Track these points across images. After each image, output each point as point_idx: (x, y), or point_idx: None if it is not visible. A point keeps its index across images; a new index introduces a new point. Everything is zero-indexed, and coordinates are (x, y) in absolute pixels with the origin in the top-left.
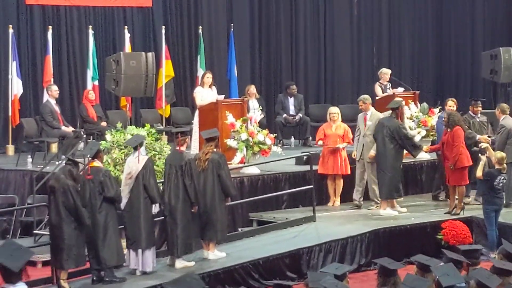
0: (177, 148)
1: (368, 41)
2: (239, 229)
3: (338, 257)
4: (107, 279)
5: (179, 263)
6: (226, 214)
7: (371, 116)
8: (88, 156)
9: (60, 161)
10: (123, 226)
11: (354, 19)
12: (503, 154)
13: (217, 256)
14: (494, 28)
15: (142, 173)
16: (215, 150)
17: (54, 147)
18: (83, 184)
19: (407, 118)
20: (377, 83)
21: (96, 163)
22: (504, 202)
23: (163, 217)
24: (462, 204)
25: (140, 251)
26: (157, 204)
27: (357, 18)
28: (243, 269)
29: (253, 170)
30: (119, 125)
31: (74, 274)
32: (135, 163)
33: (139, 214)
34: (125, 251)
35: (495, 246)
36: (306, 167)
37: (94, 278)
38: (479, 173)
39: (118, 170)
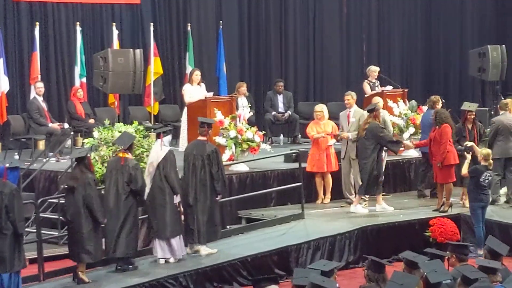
0: (202, 138)
1: (358, 39)
2: (228, 227)
3: (326, 254)
4: (119, 267)
5: (204, 250)
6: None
7: (354, 113)
8: (122, 147)
9: (47, 158)
10: (146, 216)
11: (343, 17)
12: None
13: (385, 208)
14: (483, 26)
15: (162, 164)
16: (373, 120)
17: (41, 144)
18: (110, 172)
19: (396, 116)
20: (366, 80)
21: (128, 155)
22: (506, 198)
23: (146, 216)
24: (450, 201)
25: (166, 240)
26: (178, 195)
27: (346, 16)
28: (231, 267)
29: (242, 168)
30: (107, 122)
31: (90, 264)
32: (157, 152)
33: (163, 204)
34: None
35: (483, 242)
36: (295, 165)
37: (119, 267)
38: (464, 170)
39: (105, 167)
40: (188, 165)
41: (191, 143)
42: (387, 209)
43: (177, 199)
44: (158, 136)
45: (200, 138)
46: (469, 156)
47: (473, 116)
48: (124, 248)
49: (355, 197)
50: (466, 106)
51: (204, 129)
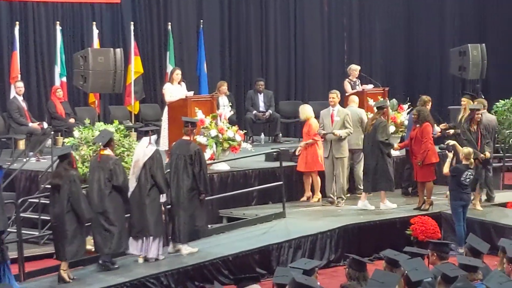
0: (186, 138)
1: (339, 38)
2: (209, 226)
3: (308, 253)
4: (100, 261)
5: (185, 249)
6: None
7: (338, 112)
8: (100, 143)
9: (27, 158)
10: (129, 215)
11: (324, 16)
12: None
13: (388, 206)
14: (463, 24)
15: (149, 163)
16: (381, 117)
17: (22, 144)
18: (92, 170)
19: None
20: (346, 79)
21: (107, 151)
22: (486, 197)
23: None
24: (431, 199)
25: (150, 239)
26: (165, 194)
27: (327, 15)
28: (212, 266)
29: (223, 167)
30: (87, 121)
31: (73, 263)
32: (143, 150)
33: (147, 203)
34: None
35: (463, 241)
36: (276, 164)
37: (100, 262)
38: (445, 169)
39: (86, 167)
40: (171, 164)
41: (176, 142)
42: (391, 207)
43: (163, 198)
44: (146, 134)
45: (184, 137)
46: (450, 155)
47: (480, 115)
48: (112, 245)
49: (336, 196)
50: (472, 105)
51: (188, 129)
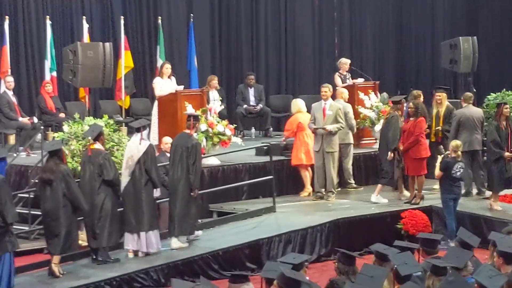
0: (187, 131)
1: (330, 32)
2: (199, 220)
3: (298, 247)
4: (100, 259)
5: (175, 243)
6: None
7: (331, 106)
8: (90, 137)
9: (17, 153)
10: (122, 209)
11: (315, 9)
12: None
13: (379, 200)
14: (454, 17)
15: (143, 158)
16: (394, 112)
17: (12, 139)
18: (83, 164)
19: (368, 108)
20: (337, 73)
21: (97, 145)
22: (463, 191)
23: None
24: (422, 193)
25: (143, 233)
26: (158, 189)
27: (318, 8)
28: (202, 260)
29: (213, 161)
30: (77, 116)
31: (63, 258)
32: (136, 146)
33: (141, 197)
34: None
35: (455, 234)
36: (266, 158)
37: (93, 257)
38: (437, 172)
39: (76, 161)
40: (170, 156)
41: (178, 135)
42: (382, 201)
43: (156, 193)
44: (138, 130)
45: (185, 131)
46: (439, 158)
47: (509, 110)
48: (103, 239)
49: (325, 190)
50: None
51: (190, 123)
